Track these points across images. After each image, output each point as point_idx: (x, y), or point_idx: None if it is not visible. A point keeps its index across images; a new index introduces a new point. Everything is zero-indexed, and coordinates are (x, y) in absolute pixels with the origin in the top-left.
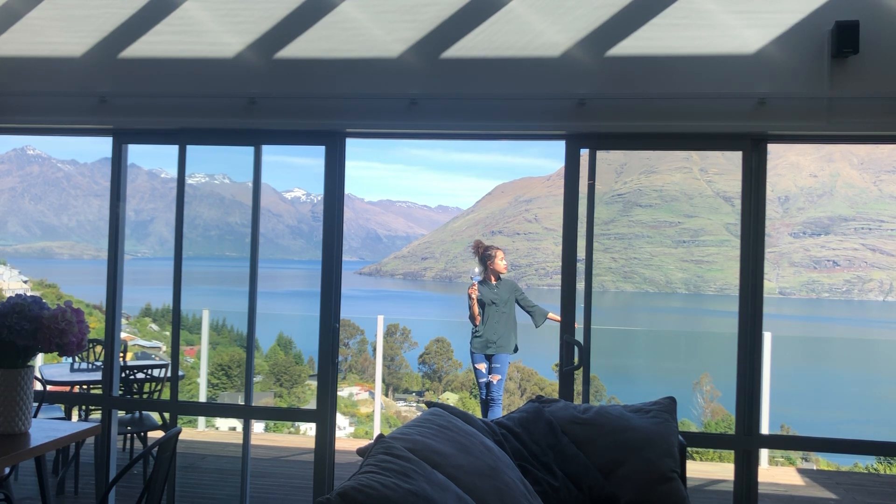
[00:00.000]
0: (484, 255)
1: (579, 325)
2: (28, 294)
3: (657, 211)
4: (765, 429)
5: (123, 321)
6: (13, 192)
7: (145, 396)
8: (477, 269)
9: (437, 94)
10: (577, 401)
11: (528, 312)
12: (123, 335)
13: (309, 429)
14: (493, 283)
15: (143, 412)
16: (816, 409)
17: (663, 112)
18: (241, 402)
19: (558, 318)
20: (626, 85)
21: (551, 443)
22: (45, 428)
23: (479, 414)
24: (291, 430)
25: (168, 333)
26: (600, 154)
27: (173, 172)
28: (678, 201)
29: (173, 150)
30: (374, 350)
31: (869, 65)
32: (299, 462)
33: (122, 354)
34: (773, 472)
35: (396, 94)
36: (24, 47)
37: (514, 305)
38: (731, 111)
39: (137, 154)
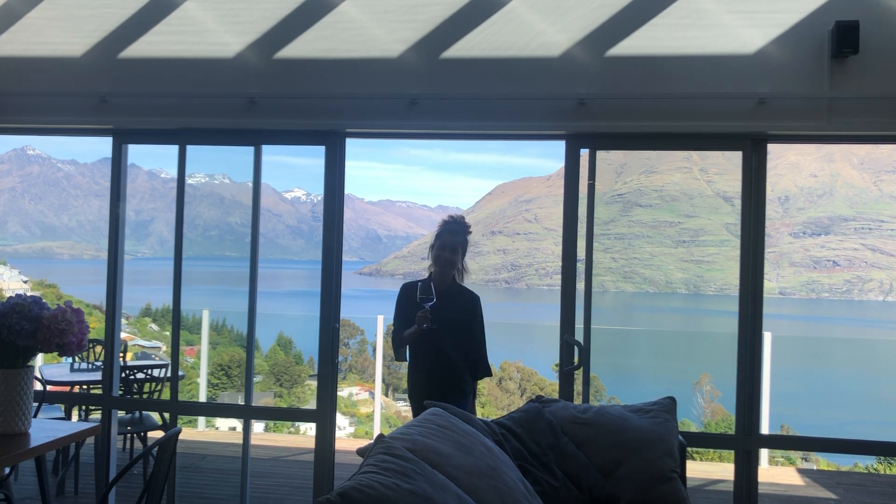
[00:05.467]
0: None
1: (579, 325)
2: (28, 294)
3: (657, 211)
4: (765, 429)
5: (123, 321)
6: (13, 192)
7: (145, 396)
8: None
9: (437, 94)
10: (577, 401)
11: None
12: (123, 335)
13: (309, 429)
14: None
15: (143, 412)
16: (816, 409)
17: (663, 112)
18: (241, 402)
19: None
20: (626, 85)
21: (551, 443)
22: (45, 428)
23: None
24: (291, 430)
25: (168, 333)
26: (600, 154)
27: (173, 172)
28: (678, 201)
29: (173, 150)
30: (374, 350)
31: (869, 65)
32: (299, 462)
33: (122, 354)
34: (773, 472)
35: (396, 94)
36: (24, 47)
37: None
38: (731, 111)
39: (137, 154)
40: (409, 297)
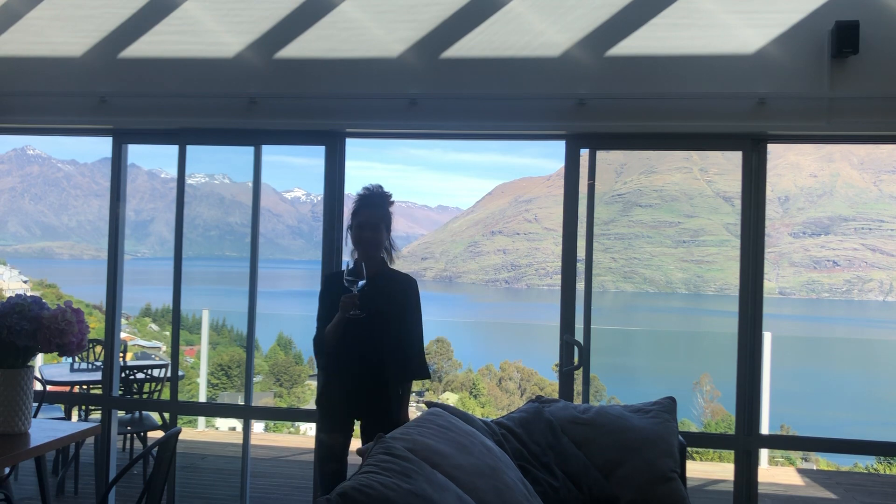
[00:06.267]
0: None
1: (579, 325)
2: (28, 294)
3: (657, 211)
4: (765, 429)
5: (123, 321)
6: (13, 192)
7: (145, 396)
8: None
9: (436, 94)
10: (577, 401)
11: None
12: (123, 335)
13: (309, 429)
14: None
15: (143, 412)
16: (816, 409)
17: (663, 112)
18: (241, 402)
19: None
20: (626, 85)
21: (551, 443)
22: (45, 428)
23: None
24: (291, 430)
25: (168, 333)
26: (600, 154)
27: (173, 172)
28: (678, 201)
29: (173, 150)
30: None
31: (869, 65)
32: (299, 462)
33: (122, 354)
34: (773, 472)
35: (396, 94)
36: (24, 47)
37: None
38: (731, 111)
39: (137, 154)
40: (334, 288)
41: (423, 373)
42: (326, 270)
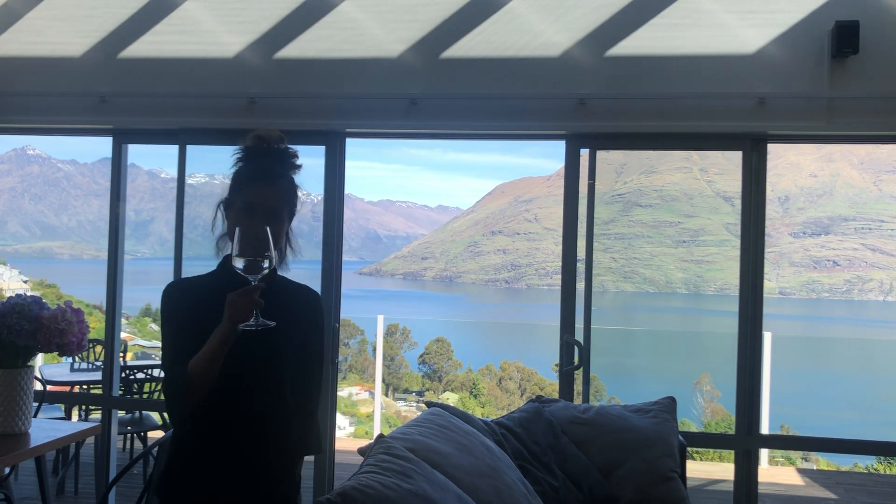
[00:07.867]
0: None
1: (579, 325)
2: (28, 294)
3: (657, 211)
4: (765, 429)
5: (123, 321)
6: (13, 192)
7: (145, 396)
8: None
9: (437, 94)
10: (577, 401)
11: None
12: (123, 335)
13: None
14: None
15: (143, 412)
16: (816, 409)
17: (663, 112)
18: None
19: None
20: (626, 85)
21: (551, 443)
22: (45, 428)
23: None
24: None
25: None
26: (600, 154)
27: (173, 172)
28: (678, 201)
29: (173, 150)
30: (374, 350)
31: (869, 65)
32: None
33: (122, 354)
34: (773, 472)
35: (396, 94)
36: (24, 47)
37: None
38: (731, 111)
39: (137, 154)
40: (191, 296)
41: (315, 446)
42: (328, 270)
